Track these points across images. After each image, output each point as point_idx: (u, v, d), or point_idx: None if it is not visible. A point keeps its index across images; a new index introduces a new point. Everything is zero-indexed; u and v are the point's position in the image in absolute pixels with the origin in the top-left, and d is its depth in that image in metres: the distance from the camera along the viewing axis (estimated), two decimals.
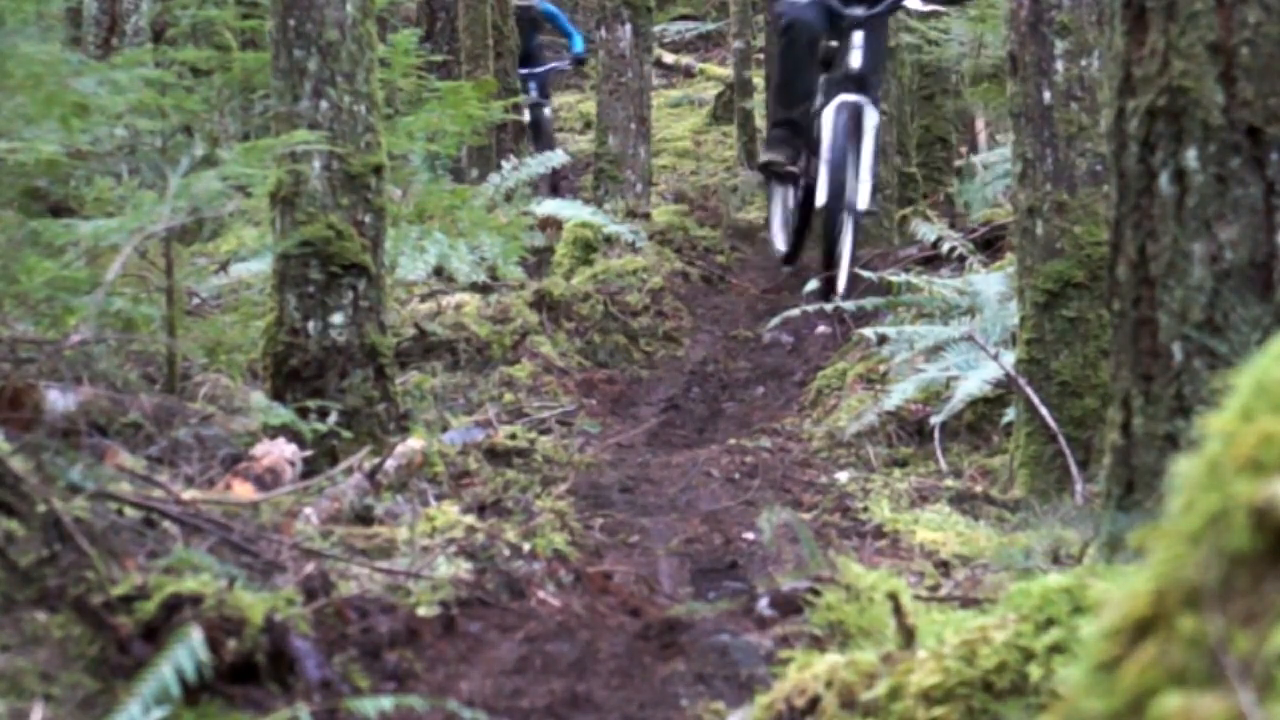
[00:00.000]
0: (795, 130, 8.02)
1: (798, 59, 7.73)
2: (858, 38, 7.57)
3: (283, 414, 4.76)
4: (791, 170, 8.07)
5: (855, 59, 7.57)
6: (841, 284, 7.84)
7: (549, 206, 10.02)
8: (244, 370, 5.49)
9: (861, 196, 7.62)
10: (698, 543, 5.26)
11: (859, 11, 7.60)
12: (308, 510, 3.94)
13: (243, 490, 3.90)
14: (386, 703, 2.58)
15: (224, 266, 8.05)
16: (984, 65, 11.65)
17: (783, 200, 9.02)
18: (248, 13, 9.15)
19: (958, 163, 12.11)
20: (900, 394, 6.86)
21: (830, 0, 7.68)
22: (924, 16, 8.92)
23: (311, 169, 5.38)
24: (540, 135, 14.06)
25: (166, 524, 3.14)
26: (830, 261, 7.72)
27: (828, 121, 7.56)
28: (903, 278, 7.90)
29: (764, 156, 8.33)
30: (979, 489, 5.95)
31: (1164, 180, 2.93)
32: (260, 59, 7.17)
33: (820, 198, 7.53)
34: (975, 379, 6.67)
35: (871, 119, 7.68)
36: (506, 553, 4.02)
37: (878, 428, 6.86)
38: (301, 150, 5.23)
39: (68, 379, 4.04)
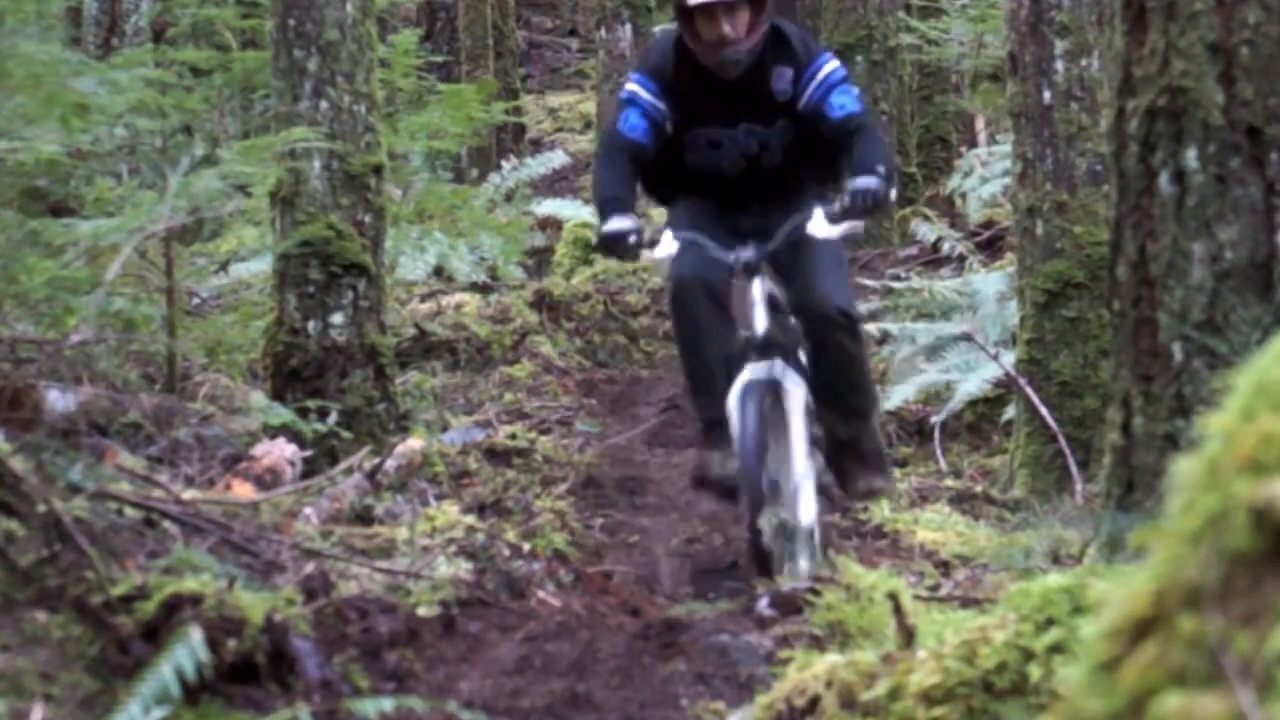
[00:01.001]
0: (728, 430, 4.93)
1: (700, 332, 4.97)
2: (756, 291, 4.94)
3: (283, 414, 4.76)
4: (729, 479, 4.92)
5: (757, 320, 4.91)
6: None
7: (549, 206, 10.04)
8: (244, 370, 5.50)
9: (803, 508, 4.75)
10: (698, 543, 5.26)
11: (749, 255, 4.96)
12: (308, 510, 3.94)
13: (243, 490, 3.90)
14: (386, 703, 2.58)
15: (224, 266, 8.05)
16: (984, 65, 11.66)
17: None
18: (248, 13, 9.16)
19: (957, 162, 12.11)
20: (900, 394, 6.87)
21: (707, 248, 4.99)
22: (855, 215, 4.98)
23: (311, 169, 5.38)
24: None
25: (166, 524, 3.14)
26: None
27: (734, 413, 4.83)
28: (903, 280, 7.91)
29: (698, 471, 5.10)
30: (979, 489, 5.96)
31: (1164, 180, 2.93)
32: (260, 59, 7.17)
33: (741, 516, 4.73)
34: (975, 379, 6.68)
35: (797, 395, 4.92)
36: (506, 553, 4.02)
37: (877, 428, 6.86)
38: (301, 150, 5.23)
39: (68, 379, 4.04)
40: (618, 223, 4.90)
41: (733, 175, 5.17)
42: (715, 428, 4.91)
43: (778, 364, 4.91)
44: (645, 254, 4.96)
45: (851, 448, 5.06)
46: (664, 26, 5.28)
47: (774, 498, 4.70)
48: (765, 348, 4.88)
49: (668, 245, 4.96)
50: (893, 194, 4.91)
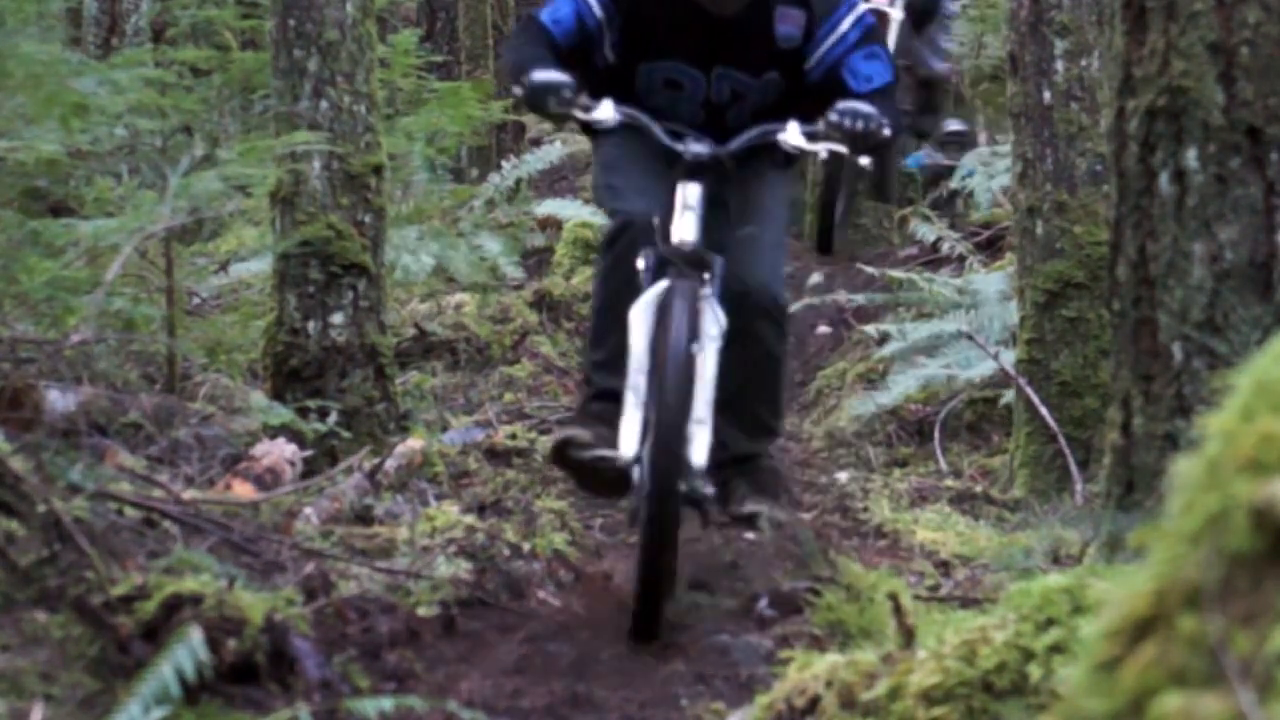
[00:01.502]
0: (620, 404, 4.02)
1: (632, 290, 4.07)
2: (691, 194, 4.06)
3: (283, 414, 4.77)
4: (605, 460, 4.00)
5: (685, 227, 4.03)
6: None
7: (549, 206, 10.03)
8: (244, 370, 5.50)
9: (696, 449, 3.89)
10: (698, 543, 5.25)
11: (700, 149, 4.10)
12: (308, 510, 3.94)
13: (243, 490, 3.90)
14: (386, 703, 2.58)
15: (224, 266, 8.05)
16: (984, 65, 11.66)
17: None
18: (248, 13, 9.16)
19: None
20: (900, 389, 6.86)
21: (655, 132, 4.12)
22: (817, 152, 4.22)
23: (311, 169, 5.38)
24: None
25: (166, 524, 3.14)
26: (650, 569, 3.68)
27: (637, 324, 3.97)
28: (904, 276, 7.91)
29: (559, 434, 4.29)
30: (979, 489, 5.96)
31: (1164, 180, 2.93)
32: (260, 59, 7.17)
33: (625, 447, 3.91)
34: (977, 370, 6.69)
35: (715, 328, 3.99)
36: (506, 553, 4.02)
37: (878, 427, 6.86)
38: (301, 150, 5.23)
39: (68, 379, 4.04)
40: (547, 73, 4.07)
41: (686, 125, 4.25)
42: (607, 400, 4.08)
43: (701, 285, 4.01)
44: (579, 114, 4.15)
45: (746, 465, 4.30)
46: None
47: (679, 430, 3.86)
48: (692, 263, 4.01)
49: (607, 110, 4.13)
50: (886, 130, 4.03)
